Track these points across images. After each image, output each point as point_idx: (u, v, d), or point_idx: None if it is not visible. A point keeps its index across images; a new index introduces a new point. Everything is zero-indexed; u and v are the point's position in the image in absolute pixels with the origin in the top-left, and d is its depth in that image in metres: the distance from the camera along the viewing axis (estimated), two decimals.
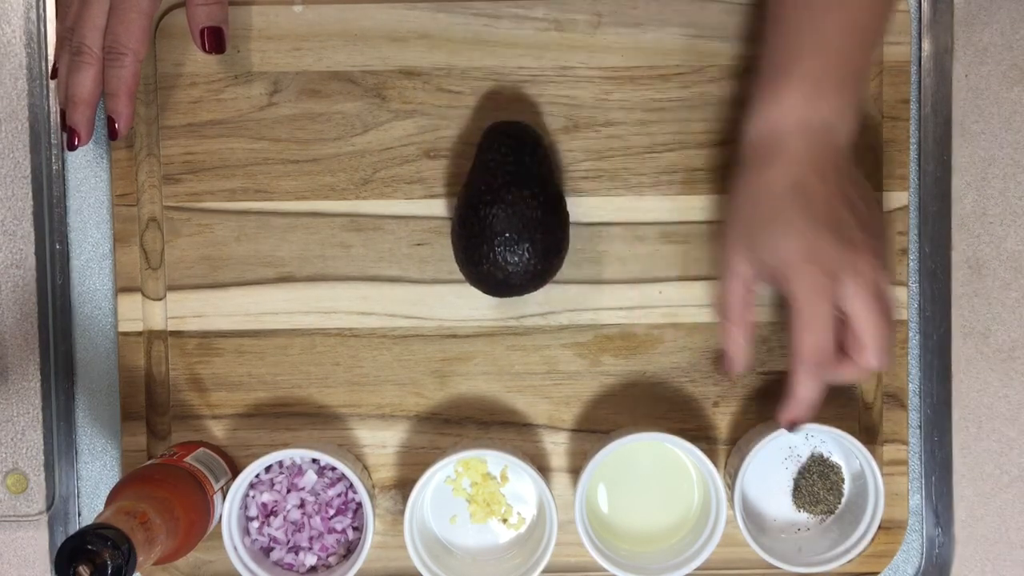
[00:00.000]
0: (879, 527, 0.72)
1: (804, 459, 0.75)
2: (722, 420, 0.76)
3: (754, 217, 0.66)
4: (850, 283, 0.64)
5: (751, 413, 0.76)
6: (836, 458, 0.75)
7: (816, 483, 0.75)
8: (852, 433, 0.71)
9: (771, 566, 0.72)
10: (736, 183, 0.68)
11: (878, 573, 0.76)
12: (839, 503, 0.75)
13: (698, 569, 0.71)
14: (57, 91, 0.68)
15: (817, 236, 0.64)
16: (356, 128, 0.75)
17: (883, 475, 0.72)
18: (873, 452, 0.72)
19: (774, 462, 0.75)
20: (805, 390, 0.66)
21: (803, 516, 0.76)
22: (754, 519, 0.75)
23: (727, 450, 0.76)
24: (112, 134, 0.68)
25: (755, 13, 0.74)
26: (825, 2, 0.65)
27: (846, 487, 0.75)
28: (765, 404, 0.76)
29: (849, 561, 0.72)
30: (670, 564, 0.72)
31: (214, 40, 0.68)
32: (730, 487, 0.72)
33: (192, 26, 0.67)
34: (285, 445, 0.74)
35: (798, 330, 0.64)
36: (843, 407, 0.76)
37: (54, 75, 0.69)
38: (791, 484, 0.75)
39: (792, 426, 0.68)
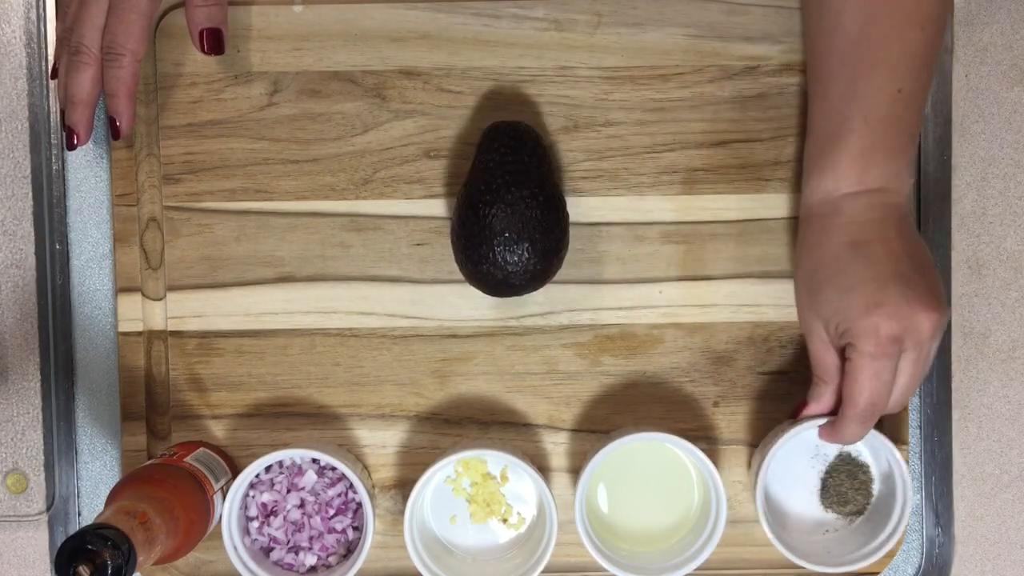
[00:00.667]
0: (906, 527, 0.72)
1: (831, 458, 0.75)
2: (722, 420, 0.76)
3: (816, 280, 0.68)
4: (911, 342, 0.65)
5: (751, 413, 0.76)
6: (864, 457, 0.75)
7: (844, 482, 0.74)
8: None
9: (789, 565, 0.72)
10: (798, 250, 0.71)
11: (878, 573, 0.76)
12: (868, 503, 0.75)
13: (698, 569, 0.71)
14: (57, 91, 0.68)
15: (880, 291, 0.65)
16: (356, 128, 0.75)
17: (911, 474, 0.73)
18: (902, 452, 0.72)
19: (801, 460, 0.75)
20: (852, 434, 0.68)
21: (830, 516, 0.75)
22: (779, 518, 0.75)
23: (727, 450, 0.76)
24: (114, 134, 0.68)
25: (755, 13, 0.74)
26: (867, 66, 0.66)
27: (875, 487, 0.75)
28: (765, 404, 0.76)
29: (878, 560, 0.72)
30: (670, 564, 0.72)
31: (213, 41, 0.68)
32: (753, 486, 0.72)
33: (191, 27, 0.67)
34: (285, 445, 0.74)
35: (858, 383, 0.66)
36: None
37: (54, 75, 0.69)
38: (818, 483, 0.75)
39: (827, 442, 0.71)
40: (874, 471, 0.75)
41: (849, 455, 0.75)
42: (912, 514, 0.78)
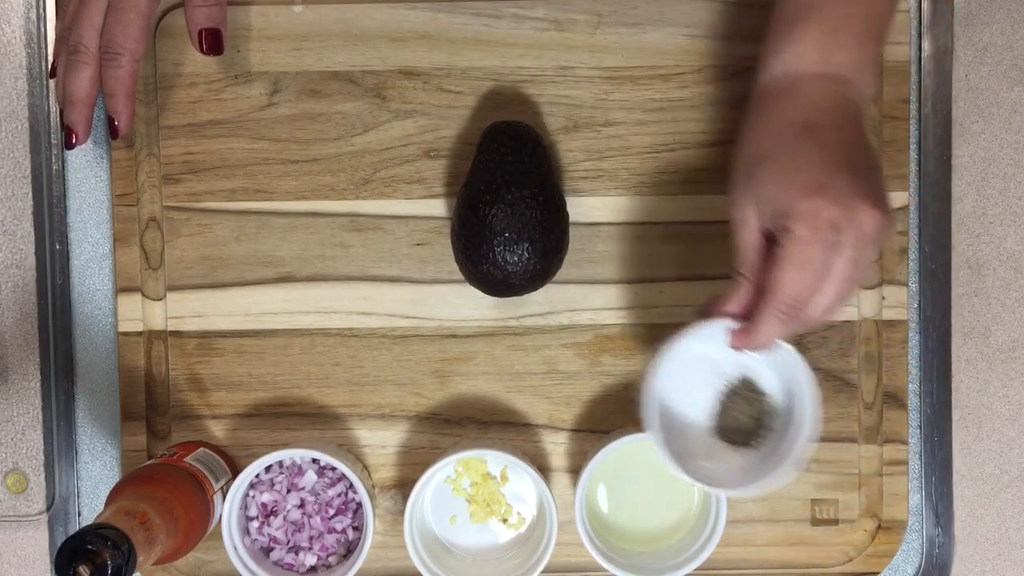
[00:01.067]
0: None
1: (731, 380, 0.70)
2: None
3: (759, 157, 0.62)
4: (850, 237, 0.59)
5: None
6: (767, 384, 0.70)
7: (740, 408, 0.70)
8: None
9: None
10: (745, 127, 0.64)
11: (878, 573, 0.76)
12: (763, 433, 0.70)
13: (698, 569, 0.71)
14: (56, 90, 0.68)
15: (827, 174, 0.59)
16: (356, 128, 0.75)
17: (820, 388, 0.67)
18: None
19: (699, 377, 0.70)
20: (767, 333, 0.62)
21: (724, 442, 0.71)
22: (675, 435, 0.70)
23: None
24: (113, 133, 0.68)
25: (755, 13, 0.74)
26: None
27: (774, 418, 0.70)
28: None
29: (770, 486, 0.67)
30: (670, 564, 0.72)
31: (212, 41, 0.68)
32: (643, 392, 0.67)
33: (190, 27, 0.67)
34: (285, 445, 0.74)
35: (784, 270, 0.59)
36: (843, 407, 0.76)
37: (52, 74, 0.69)
38: (715, 406, 0.71)
39: (739, 349, 0.65)
40: (777, 398, 0.70)
41: (751, 383, 0.71)
42: (912, 514, 0.78)
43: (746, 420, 0.71)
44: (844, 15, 0.62)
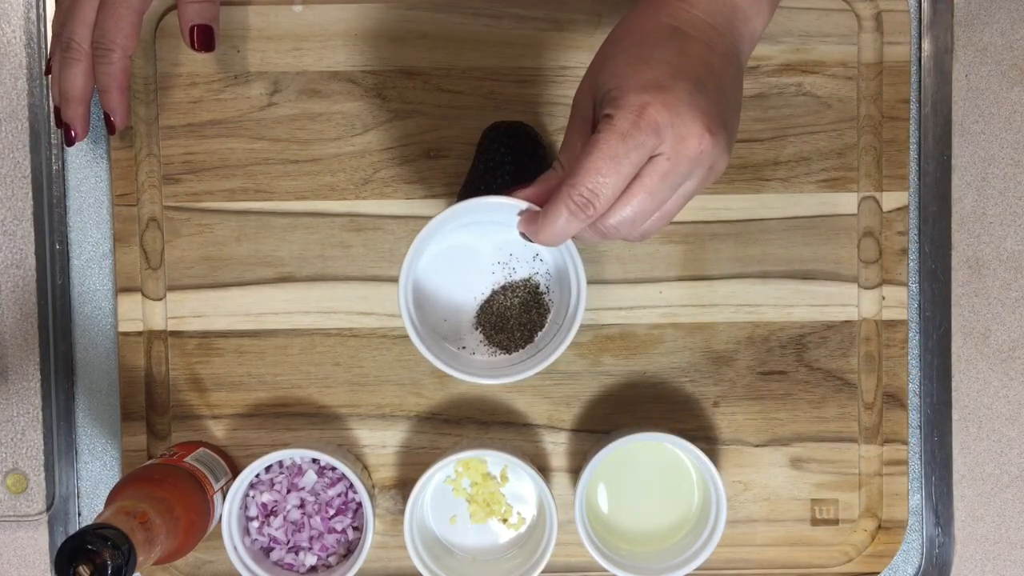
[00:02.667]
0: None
1: (512, 273, 0.69)
2: (722, 420, 0.76)
3: (617, 43, 0.57)
4: (670, 148, 0.55)
5: (751, 413, 0.76)
6: (544, 277, 0.69)
7: (510, 300, 0.68)
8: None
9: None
10: (618, 23, 0.59)
11: (878, 573, 0.76)
12: (531, 327, 0.69)
13: (698, 569, 0.71)
14: (51, 88, 0.68)
15: (672, 77, 0.54)
16: (356, 128, 0.75)
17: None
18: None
19: (478, 259, 0.68)
20: (556, 221, 0.57)
21: (484, 333, 0.70)
22: (433, 313, 0.68)
23: (727, 450, 0.76)
24: (110, 129, 0.68)
25: None
26: None
27: (548, 304, 0.69)
28: (765, 404, 0.76)
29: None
30: (670, 564, 0.72)
31: (204, 38, 0.67)
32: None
33: (182, 24, 0.67)
34: (285, 445, 0.74)
35: (589, 156, 0.55)
36: (843, 407, 0.76)
37: (47, 72, 0.69)
38: (487, 295, 0.69)
39: (524, 237, 0.61)
40: (552, 302, 0.69)
41: (529, 280, 0.69)
42: (912, 514, 0.78)
43: (508, 315, 0.68)
44: None
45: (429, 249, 0.67)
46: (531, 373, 0.67)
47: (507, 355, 0.70)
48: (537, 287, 0.70)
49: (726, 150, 0.56)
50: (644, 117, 0.54)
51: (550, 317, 0.70)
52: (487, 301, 0.70)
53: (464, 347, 0.70)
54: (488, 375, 0.67)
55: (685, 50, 0.56)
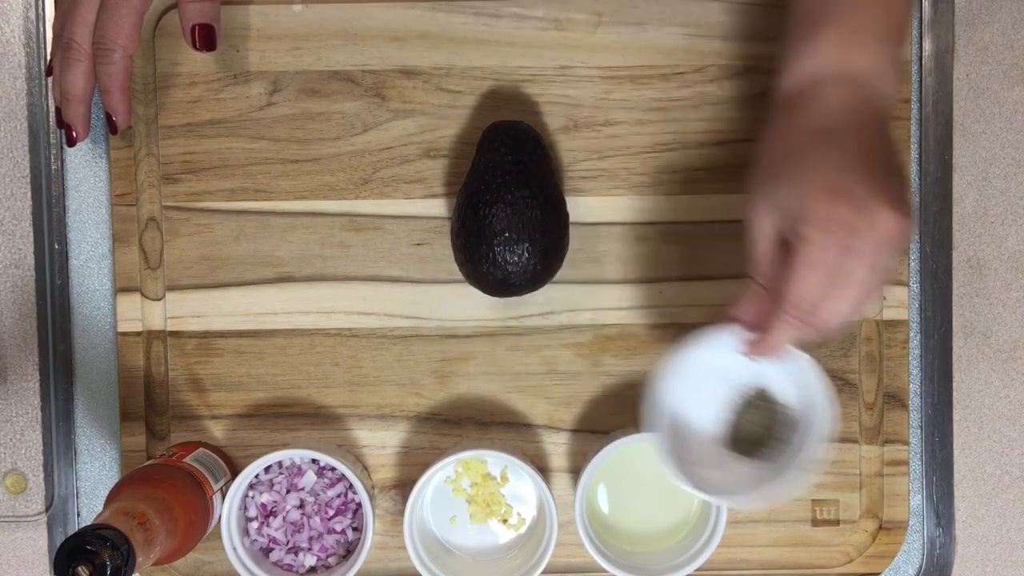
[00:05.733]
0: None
1: (746, 391, 0.70)
2: None
3: (776, 162, 0.61)
4: (866, 240, 0.57)
5: None
6: (780, 392, 0.69)
7: (753, 419, 0.70)
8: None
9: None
10: (764, 136, 0.63)
11: (879, 574, 0.76)
12: (778, 443, 0.69)
13: (699, 570, 0.71)
14: (52, 89, 0.68)
15: (844, 176, 0.57)
16: (356, 128, 0.75)
17: (833, 388, 0.67)
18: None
19: (710, 388, 0.70)
20: (781, 338, 0.61)
21: (736, 454, 0.71)
22: (683, 444, 0.69)
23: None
24: (112, 129, 0.68)
25: (756, 13, 0.74)
26: None
27: (788, 429, 0.69)
28: None
29: (785, 490, 0.67)
30: (671, 565, 0.71)
31: (205, 37, 0.67)
32: (652, 396, 0.67)
33: (183, 23, 0.67)
34: (285, 445, 0.74)
35: (796, 272, 0.58)
36: (844, 407, 0.75)
37: (49, 72, 0.69)
38: (728, 417, 0.71)
39: (751, 356, 0.64)
40: (792, 408, 0.69)
41: (764, 392, 0.70)
42: (913, 515, 0.78)
43: (758, 430, 0.70)
44: (861, 18, 0.61)
45: (668, 386, 0.67)
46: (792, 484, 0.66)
47: (765, 463, 0.69)
48: (765, 393, 0.70)
49: (912, 220, 0.59)
50: (833, 223, 0.57)
51: (795, 422, 0.69)
52: (732, 422, 0.70)
53: (718, 466, 0.70)
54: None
55: (841, 145, 0.58)
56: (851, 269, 0.57)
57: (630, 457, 0.74)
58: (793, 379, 0.68)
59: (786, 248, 0.60)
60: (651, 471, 0.74)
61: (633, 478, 0.74)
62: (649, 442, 0.70)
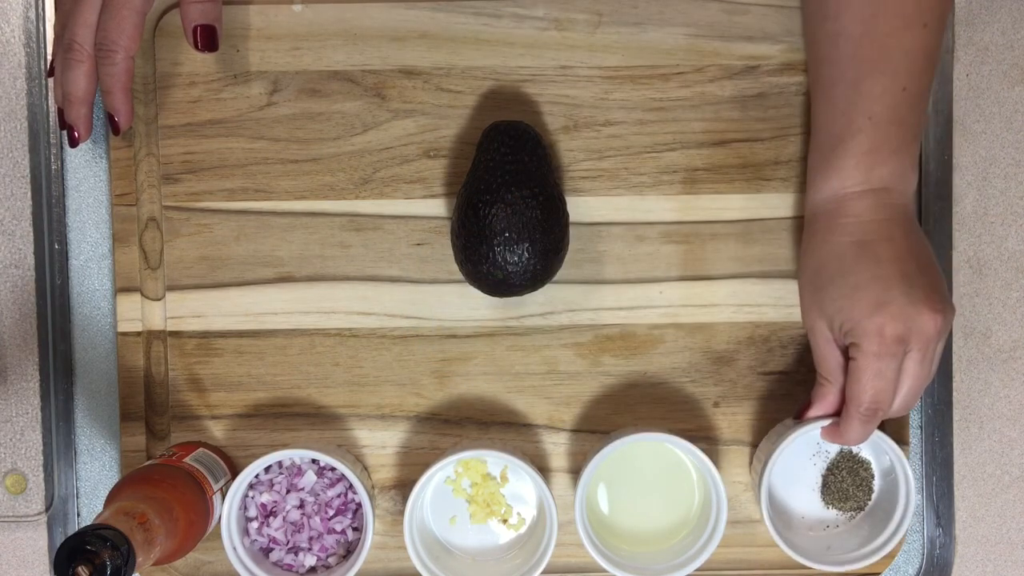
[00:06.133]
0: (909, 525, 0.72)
1: (832, 455, 0.75)
2: (722, 420, 0.76)
3: (821, 278, 0.68)
4: (916, 343, 0.65)
5: (752, 413, 0.76)
6: (865, 454, 0.75)
7: (845, 479, 0.74)
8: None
9: (790, 565, 0.72)
10: (803, 249, 0.70)
11: (879, 573, 0.76)
12: (869, 500, 0.75)
13: (699, 570, 0.71)
14: (54, 90, 0.68)
15: (885, 291, 0.65)
16: (356, 128, 0.75)
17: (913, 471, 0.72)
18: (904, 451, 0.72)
19: (802, 458, 0.75)
20: (855, 434, 0.68)
21: (832, 513, 0.75)
22: (781, 516, 0.75)
23: (727, 450, 0.76)
24: (114, 129, 0.68)
25: (756, 13, 0.74)
26: (870, 66, 0.66)
27: (876, 483, 0.75)
28: (766, 404, 0.76)
29: (880, 559, 0.72)
30: (671, 564, 0.71)
31: (207, 38, 0.67)
32: (757, 486, 0.72)
33: (185, 24, 0.67)
34: (285, 445, 0.74)
35: (862, 382, 0.66)
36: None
37: (51, 73, 0.69)
38: (819, 480, 0.75)
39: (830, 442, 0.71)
40: (875, 468, 0.75)
41: (851, 452, 0.75)
42: (913, 514, 0.77)
43: (852, 488, 0.75)
44: (878, 137, 0.66)
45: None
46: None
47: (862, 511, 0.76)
48: (853, 453, 0.75)
49: (952, 308, 0.66)
50: (886, 336, 0.65)
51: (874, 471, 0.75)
52: (823, 482, 0.76)
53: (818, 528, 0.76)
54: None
55: (877, 258, 0.66)
56: (908, 368, 0.66)
57: (630, 457, 0.74)
58: (868, 442, 0.72)
59: (843, 349, 0.68)
60: (651, 471, 0.74)
61: (633, 478, 0.74)
62: (649, 440, 0.70)
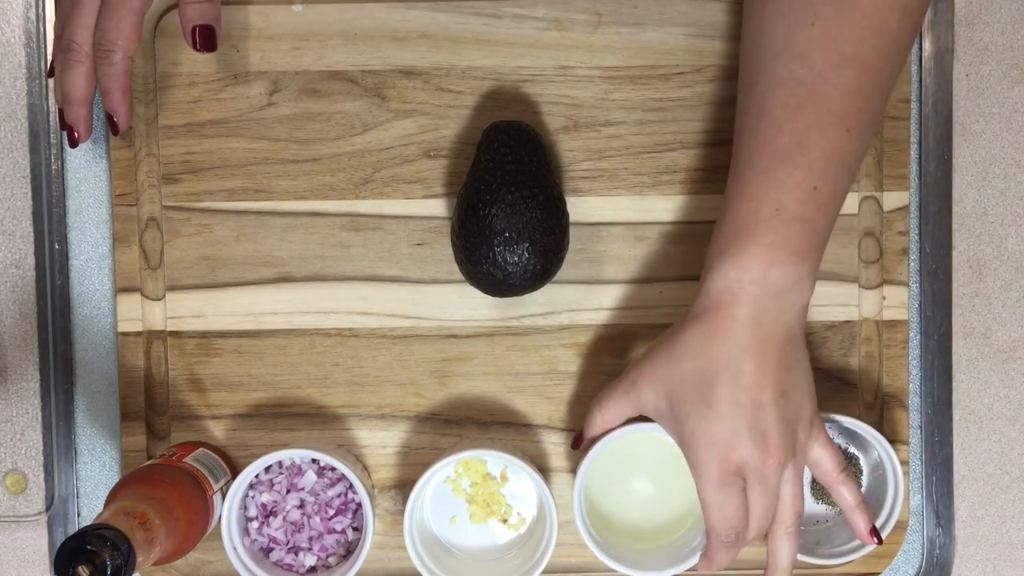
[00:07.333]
0: (898, 519, 0.73)
1: None
2: None
3: (687, 381, 0.65)
4: (755, 481, 0.65)
5: None
6: (854, 449, 0.75)
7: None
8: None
9: None
10: (685, 328, 0.66)
11: (879, 573, 0.76)
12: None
13: (697, 570, 0.71)
14: (54, 90, 0.68)
15: (733, 429, 0.64)
16: (356, 128, 0.75)
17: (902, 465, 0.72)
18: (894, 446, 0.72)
19: None
20: (719, 559, 0.67)
21: (821, 508, 0.76)
22: None
23: None
24: (114, 130, 0.68)
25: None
26: (786, 155, 0.63)
27: (864, 479, 0.75)
28: None
29: (867, 554, 0.72)
30: (672, 559, 0.71)
31: (206, 38, 0.67)
32: None
33: (184, 24, 0.67)
34: (285, 445, 0.74)
35: (711, 513, 0.66)
36: (844, 408, 0.75)
37: (51, 74, 0.69)
38: (808, 476, 0.75)
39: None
40: (864, 463, 0.75)
41: (839, 447, 0.75)
42: (912, 515, 0.77)
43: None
44: (783, 235, 0.64)
45: None
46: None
47: None
48: (842, 448, 0.76)
49: (801, 454, 0.66)
50: (720, 473, 0.64)
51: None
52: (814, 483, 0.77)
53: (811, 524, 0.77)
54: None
55: (739, 386, 0.64)
56: (751, 498, 0.65)
57: (629, 450, 0.74)
58: (857, 437, 0.74)
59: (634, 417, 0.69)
60: (651, 464, 0.74)
61: (632, 472, 0.74)
62: (646, 431, 0.70)
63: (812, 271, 0.65)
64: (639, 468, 0.74)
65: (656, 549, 0.74)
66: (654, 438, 0.73)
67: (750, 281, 0.64)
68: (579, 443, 0.72)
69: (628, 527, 0.74)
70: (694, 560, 0.70)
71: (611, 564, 0.70)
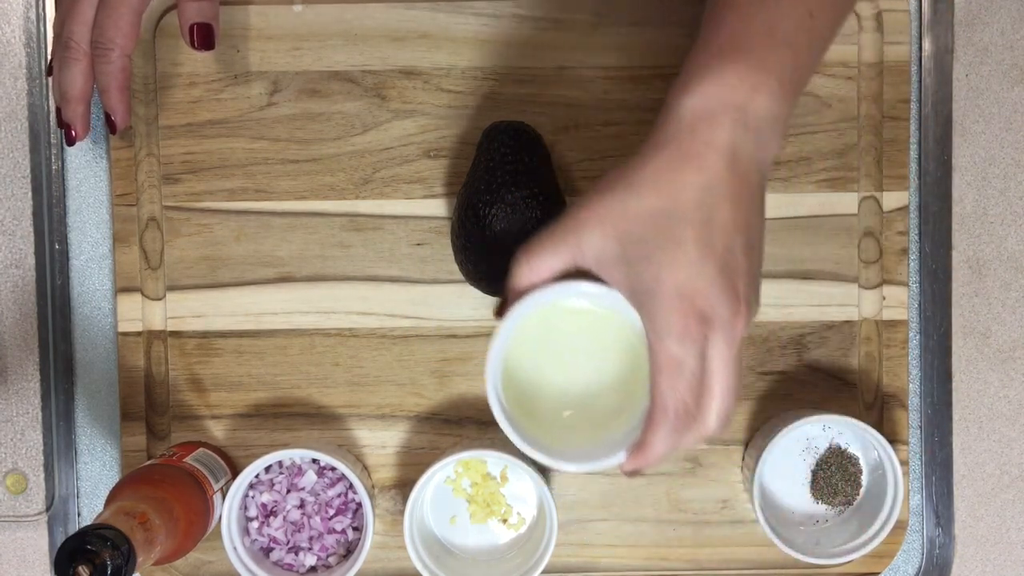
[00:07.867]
0: (898, 519, 0.73)
1: (822, 451, 0.75)
2: None
3: (647, 218, 0.56)
4: (720, 337, 0.56)
5: (751, 413, 0.76)
6: (854, 449, 0.75)
7: (834, 475, 0.75)
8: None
9: (786, 564, 0.72)
10: (646, 158, 0.57)
11: (879, 573, 0.76)
12: (857, 494, 0.75)
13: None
14: (52, 89, 0.68)
15: (702, 274, 0.55)
16: (356, 128, 0.75)
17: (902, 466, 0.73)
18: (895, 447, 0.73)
19: (792, 454, 0.75)
20: (660, 444, 0.58)
21: (821, 508, 0.76)
22: (773, 512, 0.75)
23: (726, 450, 0.76)
24: (112, 128, 0.68)
25: None
26: None
27: (864, 478, 0.75)
28: (765, 404, 0.76)
29: (866, 553, 0.73)
30: (600, 450, 0.61)
31: (203, 37, 0.67)
32: (749, 481, 0.72)
33: (182, 22, 0.67)
34: (285, 445, 0.74)
35: (663, 375, 0.56)
36: (843, 408, 0.75)
37: (49, 72, 0.69)
38: (809, 476, 0.75)
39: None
40: (863, 463, 0.75)
41: (840, 448, 0.75)
42: (912, 515, 0.78)
43: (841, 483, 0.75)
44: (771, 58, 0.57)
45: None
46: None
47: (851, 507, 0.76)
48: (842, 448, 0.76)
49: (756, 307, 0.58)
50: (689, 322, 0.55)
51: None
52: (813, 478, 0.76)
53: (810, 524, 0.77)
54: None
55: (711, 227, 0.55)
56: (714, 364, 0.56)
57: (558, 318, 0.62)
58: (857, 437, 0.75)
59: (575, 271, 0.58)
60: (585, 338, 0.63)
61: (564, 346, 0.63)
62: (571, 297, 0.60)
63: (787, 117, 0.58)
64: (570, 343, 0.63)
65: (583, 440, 0.63)
66: (590, 313, 0.62)
67: (734, 105, 0.56)
68: (504, 311, 0.60)
69: (551, 411, 0.64)
70: (621, 456, 0.60)
71: (528, 450, 0.61)
